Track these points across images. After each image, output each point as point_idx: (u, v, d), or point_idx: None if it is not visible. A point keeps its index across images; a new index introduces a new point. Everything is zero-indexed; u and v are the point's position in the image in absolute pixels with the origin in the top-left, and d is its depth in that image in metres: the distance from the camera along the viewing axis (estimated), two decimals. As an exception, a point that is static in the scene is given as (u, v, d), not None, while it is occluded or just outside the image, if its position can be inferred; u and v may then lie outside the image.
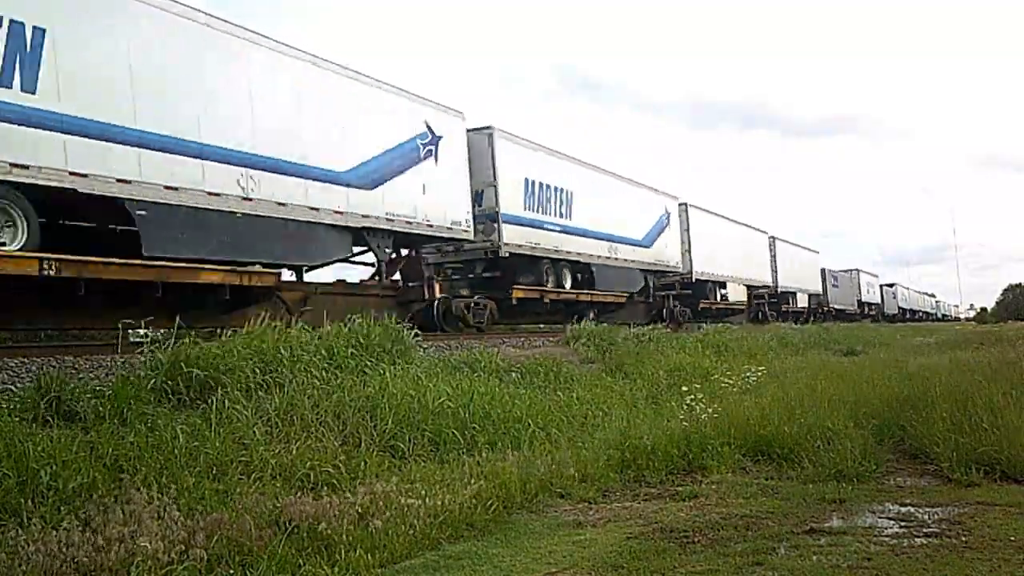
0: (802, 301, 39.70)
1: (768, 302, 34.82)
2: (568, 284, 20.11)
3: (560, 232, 19.40)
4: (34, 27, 8.70)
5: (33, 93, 8.72)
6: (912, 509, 5.83)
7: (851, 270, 50.75)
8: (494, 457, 7.23)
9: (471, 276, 17.69)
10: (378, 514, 5.42)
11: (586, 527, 5.74)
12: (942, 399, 8.08)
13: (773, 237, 35.85)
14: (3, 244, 8.71)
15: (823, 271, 43.66)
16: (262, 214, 11.59)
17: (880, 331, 35.39)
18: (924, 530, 5.24)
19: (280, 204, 11.90)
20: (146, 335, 8.30)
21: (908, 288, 67.49)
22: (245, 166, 11.32)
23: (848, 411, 8.44)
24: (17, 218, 8.89)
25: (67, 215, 9.96)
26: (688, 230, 27.11)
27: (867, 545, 4.91)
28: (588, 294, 20.72)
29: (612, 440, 8.03)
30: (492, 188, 16.65)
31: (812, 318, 36.82)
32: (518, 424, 8.54)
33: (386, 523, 5.31)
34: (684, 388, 9.81)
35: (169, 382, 7.39)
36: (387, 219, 14.07)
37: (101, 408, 6.54)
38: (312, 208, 12.49)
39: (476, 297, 16.79)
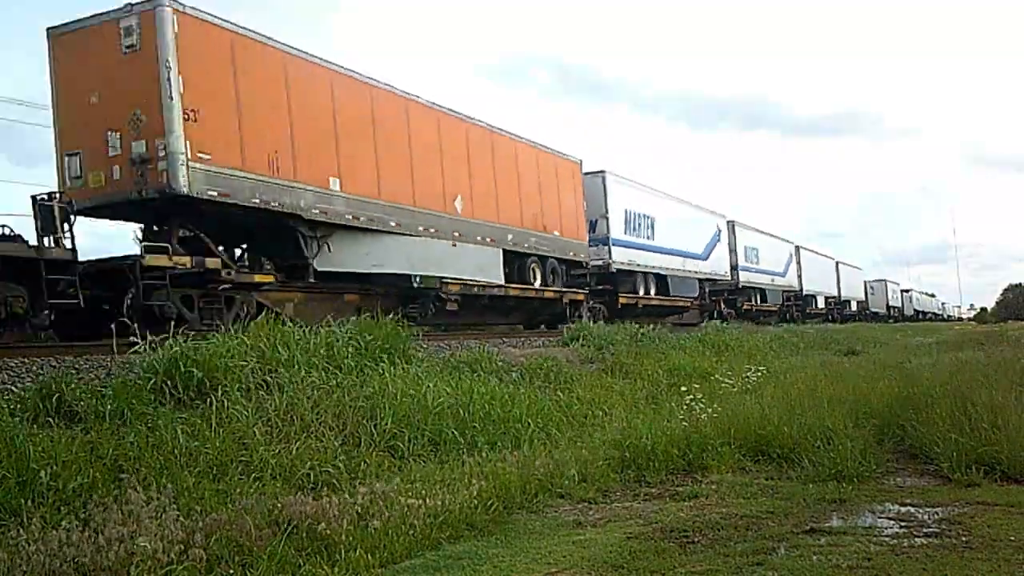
0: (853, 307, 53.73)
1: (835, 308, 49.21)
2: (757, 301, 37.12)
3: (756, 273, 36.15)
4: (652, 217, 25.75)
5: (652, 239, 25.62)
6: (912, 509, 5.82)
7: (882, 280, 64.23)
8: (494, 457, 7.24)
9: (721, 297, 33.46)
10: (378, 514, 5.42)
11: (586, 527, 5.74)
12: (942, 399, 8.07)
13: (838, 262, 50.87)
14: (638, 291, 25.30)
15: (864, 283, 57.86)
16: (685, 277, 28.28)
17: (880, 331, 35.51)
18: (924, 530, 5.24)
19: (687, 271, 28.76)
20: (146, 335, 8.31)
21: (921, 293, 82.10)
22: (683, 256, 27.98)
23: (848, 411, 8.44)
24: (650, 283, 26.06)
25: (657, 284, 26.29)
26: (799, 262, 42.63)
27: (867, 545, 4.90)
28: (764, 306, 37.53)
29: (612, 440, 8.03)
30: (734, 252, 33.95)
31: (858, 319, 50.35)
32: (518, 424, 8.55)
33: (386, 523, 5.31)
34: (684, 388, 9.81)
35: (169, 382, 7.39)
36: (710, 274, 31.20)
37: (101, 408, 6.54)
38: (695, 271, 29.55)
39: (726, 309, 32.83)
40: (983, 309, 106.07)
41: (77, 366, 7.93)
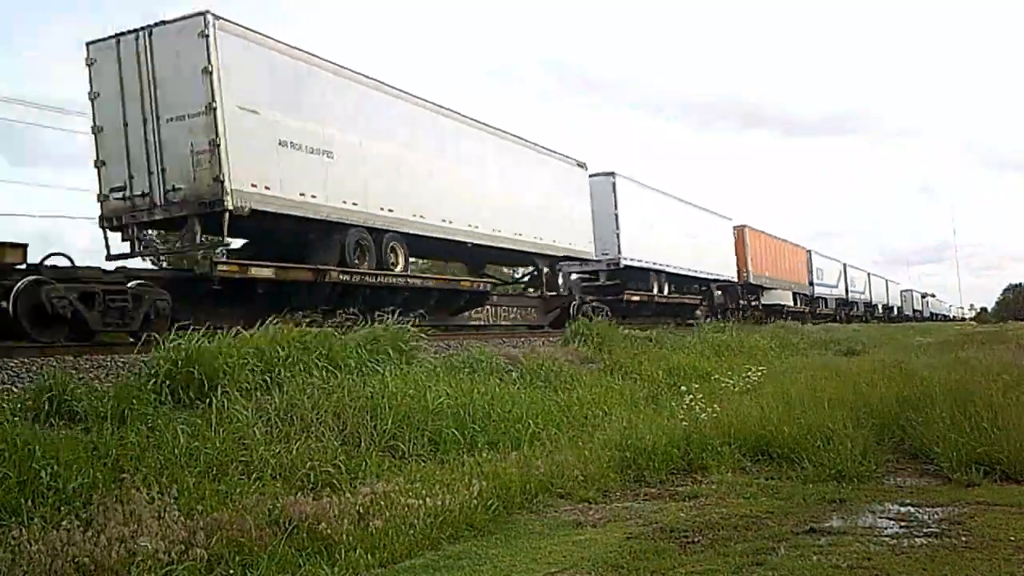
0: (895, 311, 70.63)
1: (886, 312, 66.44)
2: (854, 311, 54.90)
3: (854, 293, 54.57)
4: (823, 269, 48.08)
5: (823, 280, 48.05)
6: (912, 509, 5.83)
7: (910, 289, 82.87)
8: (494, 457, 7.24)
9: (843, 309, 52.80)
10: (378, 514, 5.42)
11: (586, 527, 5.74)
12: (942, 399, 8.08)
13: (887, 280, 70.07)
14: (821, 307, 48.95)
15: (900, 292, 76.03)
16: (832, 297, 50.08)
17: (880, 331, 35.55)
18: (924, 530, 5.24)
19: (832, 295, 49.91)
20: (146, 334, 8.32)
21: (933, 296, 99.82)
22: (831, 287, 49.14)
23: (848, 411, 8.44)
24: (824, 302, 49.21)
25: (826, 302, 50.05)
26: (871, 284, 60.65)
27: (867, 545, 4.91)
28: (856, 313, 54.72)
29: (612, 440, 8.02)
30: (847, 282, 52.99)
31: (898, 319, 67.07)
32: (518, 424, 8.54)
33: (386, 523, 5.31)
34: (684, 388, 9.81)
35: (169, 382, 7.39)
36: (839, 296, 51.77)
37: (102, 408, 6.54)
38: (834, 295, 50.55)
39: (844, 315, 51.71)
40: (983, 309, 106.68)
41: (77, 366, 7.93)
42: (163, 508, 4.96)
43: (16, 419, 6.02)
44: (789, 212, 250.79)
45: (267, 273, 11.82)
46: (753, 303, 34.75)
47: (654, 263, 24.30)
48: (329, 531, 5.06)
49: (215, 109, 10.96)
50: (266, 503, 5.40)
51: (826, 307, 48.09)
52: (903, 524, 5.44)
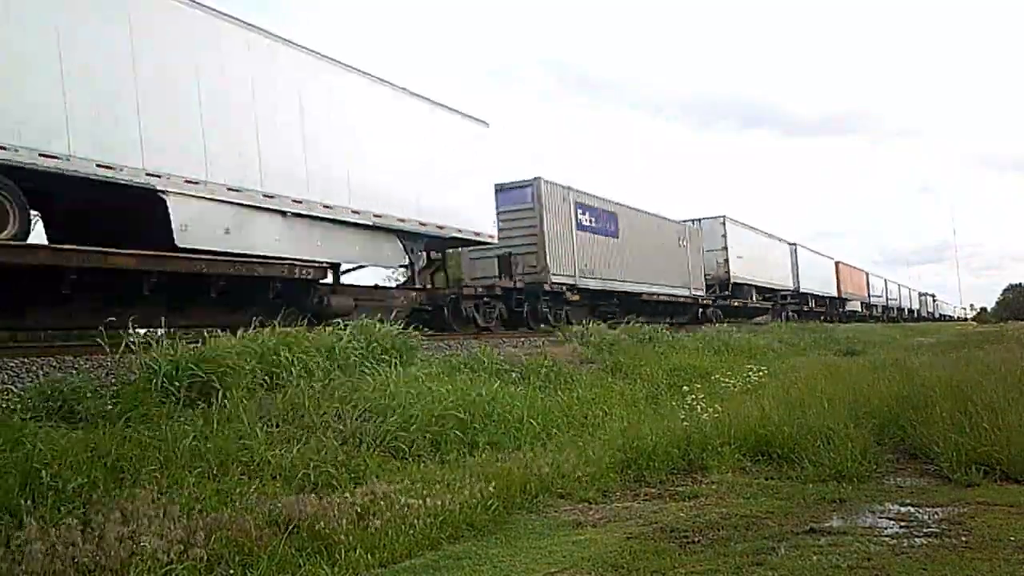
0: (915, 312, 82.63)
1: (912, 313, 78.62)
2: (894, 313, 69.82)
3: (893, 300, 71.43)
4: (883, 285, 69.79)
5: (881, 295, 67.63)
6: (912, 509, 5.82)
7: (926, 293, 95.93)
8: (495, 457, 7.24)
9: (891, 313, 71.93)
10: (378, 514, 5.42)
11: (586, 527, 5.74)
12: (942, 399, 8.08)
13: (909, 287, 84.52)
14: (891, 314, 69.63)
15: (919, 296, 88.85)
16: (888, 306, 73.38)
17: (881, 331, 35.57)
18: (924, 530, 5.24)
19: (880, 303, 69.27)
20: (146, 335, 8.33)
21: (940, 300, 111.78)
22: (885, 298, 70.48)
23: (848, 411, 8.44)
24: (885, 310, 69.63)
25: (889, 309, 72.19)
26: (900, 292, 73.65)
27: (867, 545, 4.90)
28: (891, 314, 68.92)
29: (612, 440, 8.03)
30: (890, 294, 73.56)
31: (918, 319, 77.87)
32: (519, 424, 8.54)
33: (386, 523, 5.31)
34: (684, 388, 9.82)
35: (169, 382, 7.39)
36: (889, 304, 70.83)
37: (102, 408, 6.54)
38: (878, 302, 68.26)
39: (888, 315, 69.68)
40: (983, 309, 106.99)
41: (77, 366, 7.93)
42: (163, 508, 4.95)
43: (17, 419, 6.02)
44: (789, 212, 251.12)
45: (737, 304, 33.09)
46: (843, 310, 52.37)
47: (809, 289, 44.37)
48: (329, 531, 5.06)
49: (727, 249, 32.00)
50: (266, 503, 5.40)
51: (877, 311, 63.34)
52: (903, 524, 5.44)
